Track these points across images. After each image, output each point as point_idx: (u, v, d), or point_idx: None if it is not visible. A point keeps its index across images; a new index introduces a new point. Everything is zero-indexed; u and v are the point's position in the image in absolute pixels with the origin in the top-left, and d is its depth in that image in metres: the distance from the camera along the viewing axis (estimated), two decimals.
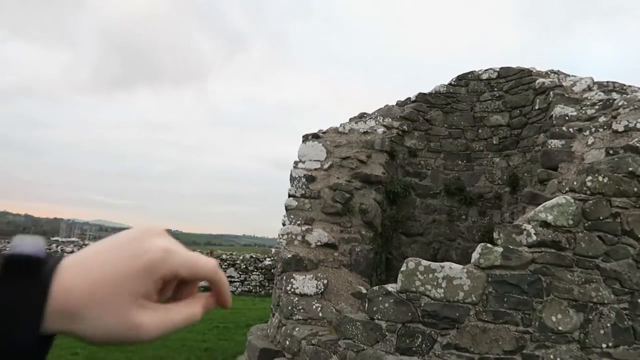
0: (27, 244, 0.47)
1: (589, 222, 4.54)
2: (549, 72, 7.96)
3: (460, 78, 8.44)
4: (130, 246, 0.50)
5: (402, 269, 4.68)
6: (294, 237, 6.58)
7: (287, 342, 5.46)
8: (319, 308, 5.70)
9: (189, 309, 0.53)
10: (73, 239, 59.80)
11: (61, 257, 0.49)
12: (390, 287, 4.74)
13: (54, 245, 21.71)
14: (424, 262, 4.63)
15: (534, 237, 4.47)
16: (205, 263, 0.52)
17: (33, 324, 0.44)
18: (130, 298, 0.48)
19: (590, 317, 4.41)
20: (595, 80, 7.22)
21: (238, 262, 17.98)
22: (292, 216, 6.83)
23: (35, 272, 0.46)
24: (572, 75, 7.69)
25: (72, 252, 18.81)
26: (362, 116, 8.38)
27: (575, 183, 4.74)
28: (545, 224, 4.52)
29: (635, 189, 4.63)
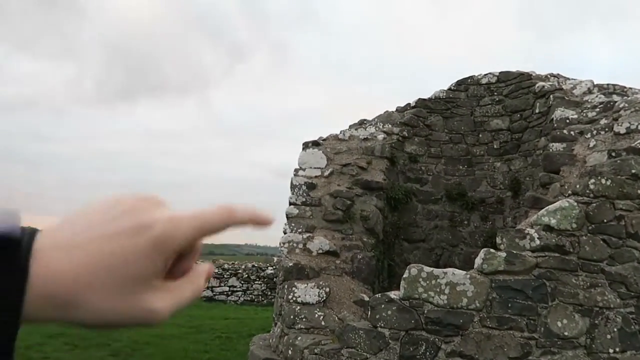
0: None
1: (593, 226, 4.49)
2: (549, 76, 7.94)
3: (459, 83, 8.43)
4: (129, 219, 0.42)
5: (404, 276, 4.63)
6: (295, 245, 6.53)
7: (290, 352, 5.39)
8: (321, 317, 5.64)
9: (194, 283, 0.46)
10: None
11: (35, 232, 0.41)
12: (393, 294, 4.69)
13: None
14: (427, 269, 4.58)
15: (538, 242, 4.42)
16: (215, 216, 0.45)
17: (10, 321, 0.37)
18: (139, 280, 0.41)
19: (597, 321, 4.35)
20: (595, 82, 7.19)
21: (240, 271, 17.91)
22: (293, 224, 6.78)
23: (9, 254, 0.38)
24: (572, 79, 7.67)
25: None
26: (362, 123, 8.36)
27: (578, 186, 4.69)
28: (548, 228, 4.47)
29: (639, 191, 4.59)
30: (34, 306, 0.39)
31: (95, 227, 0.42)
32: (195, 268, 0.47)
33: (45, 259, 0.40)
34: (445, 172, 8.08)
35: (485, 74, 8.35)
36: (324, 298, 5.82)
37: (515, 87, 7.96)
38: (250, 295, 17.61)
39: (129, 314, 0.42)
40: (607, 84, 7.17)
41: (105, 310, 0.41)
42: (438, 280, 4.49)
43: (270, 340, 6.47)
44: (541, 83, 7.53)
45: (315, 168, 7.29)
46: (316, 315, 5.66)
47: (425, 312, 4.46)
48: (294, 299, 5.80)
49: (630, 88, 6.99)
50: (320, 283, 5.94)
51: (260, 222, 0.47)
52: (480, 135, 8.10)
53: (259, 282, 17.80)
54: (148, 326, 0.44)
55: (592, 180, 4.61)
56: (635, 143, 5.00)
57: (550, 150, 6.04)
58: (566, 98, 6.90)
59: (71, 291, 0.40)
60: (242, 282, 17.72)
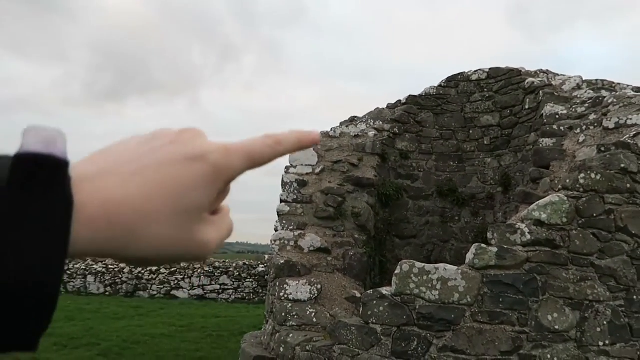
0: (41, 139, 0.34)
1: (583, 220, 4.51)
2: (538, 72, 7.98)
3: (450, 79, 8.44)
4: (180, 148, 0.39)
5: (396, 272, 4.62)
6: (286, 242, 6.50)
7: (282, 349, 5.37)
8: (313, 313, 5.62)
9: (228, 221, 0.44)
10: None
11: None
12: (385, 290, 4.68)
13: None
14: (418, 264, 4.58)
15: (528, 236, 4.43)
16: (264, 147, 0.42)
17: (55, 253, 0.33)
18: (194, 211, 0.39)
19: (587, 315, 4.37)
20: (584, 78, 7.24)
21: (231, 269, 17.84)
22: (284, 221, 6.75)
23: (55, 179, 0.33)
24: (561, 74, 7.71)
25: None
26: (352, 120, 8.34)
27: (568, 181, 4.71)
28: (539, 223, 4.48)
29: (628, 185, 4.62)
30: (84, 238, 0.35)
31: (145, 156, 0.39)
32: (223, 207, 0.45)
33: (96, 183, 0.36)
34: (436, 168, 8.10)
35: (476, 71, 8.37)
36: (316, 295, 5.80)
37: (505, 83, 7.99)
38: (242, 293, 17.55)
39: (184, 245, 0.39)
40: (596, 80, 7.21)
41: (162, 241, 0.38)
42: (430, 275, 4.49)
43: (262, 338, 6.43)
44: (531, 79, 7.57)
45: (306, 165, 7.26)
46: (308, 312, 5.63)
47: (417, 307, 4.46)
48: (286, 296, 5.78)
49: (619, 83, 7.04)
50: (312, 280, 5.92)
51: (308, 142, 0.45)
52: (471, 132, 8.13)
53: (250, 280, 17.75)
54: (198, 259, 0.42)
55: (582, 175, 4.64)
56: (624, 138, 5.04)
57: (540, 145, 6.07)
58: (555, 94, 6.93)
59: (130, 220, 0.36)
60: (233, 280, 17.65)
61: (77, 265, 18.37)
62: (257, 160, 0.42)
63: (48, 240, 0.32)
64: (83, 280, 18.04)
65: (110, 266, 18.27)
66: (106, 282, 17.91)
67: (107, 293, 17.67)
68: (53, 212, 0.33)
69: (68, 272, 18.17)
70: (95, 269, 18.11)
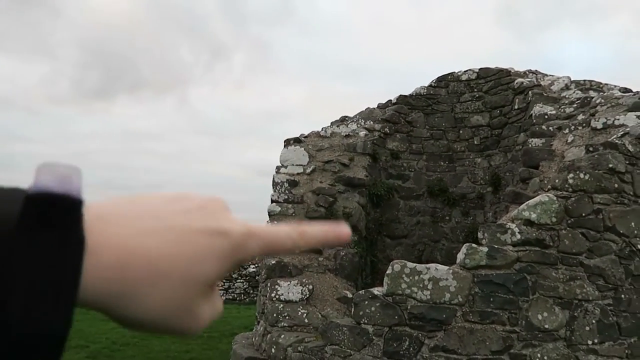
0: (56, 176, 0.32)
1: (572, 219, 4.55)
2: (527, 72, 8.04)
3: (440, 79, 8.48)
4: (206, 218, 0.38)
5: (387, 272, 4.63)
6: None
7: (273, 350, 5.36)
8: (305, 314, 5.61)
9: (219, 298, 0.43)
10: None
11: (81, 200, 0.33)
12: (376, 290, 4.69)
13: None
14: (410, 264, 4.59)
15: (519, 236, 4.46)
16: (286, 239, 0.41)
17: (64, 300, 0.31)
18: (202, 284, 0.37)
19: (576, 314, 4.42)
20: (572, 79, 7.31)
21: None
22: (275, 222, 6.73)
23: (69, 222, 0.31)
24: (550, 75, 7.78)
25: None
26: (343, 119, 8.35)
27: (557, 181, 4.76)
28: (529, 223, 4.52)
29: (616, 185, 4.67)
30: (91, 286, 0.33)
31: (169, 215, 0.37)
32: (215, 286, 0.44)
33: (113, 228, 0.34)
34: (427, 168, 8.13)
35: (465, 71, 8.41)
36: (307, 295, 5.79)
37: (494, 83, 8.04)
38: (232, 294, 17.49)
39: (181, 316, 0.37)
40: (584, 80, 7.29)
41: (162, 307, 0.36)
42: (421, 275, 4.50)
43: (253, 339, 6.41)
44: (520, 79, 7.62)
45: (297, 165, 7.24)
46: (299, 312, 5.63)
47: (409, 307, 4.47)
48: (277, 297, 5.76)
49: (606, 84, 7.12)
50: (303, 280, 5.91)
51: (334, 241, 0.44)
52: (461, 132, 8.17)
53: (241, 281, 17.70)
54: (186, 334, 0.39)
55: (571, 175, 4.68)
56: (612, 138, 5.09)
57: (530, 145, 6.11)
58: (544, 94, 6.99)
59: (139, 277, 0.34)
60: (224, 280, 17.58)
61: None
62: (275, 249, 0.42)
63: (58, 288, 0.31)
64: None
65: None
66: None
67: None
68: (65, 257, 0.31)
69: None
70: None
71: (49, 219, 0.31)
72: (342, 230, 0.44)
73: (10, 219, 0.30)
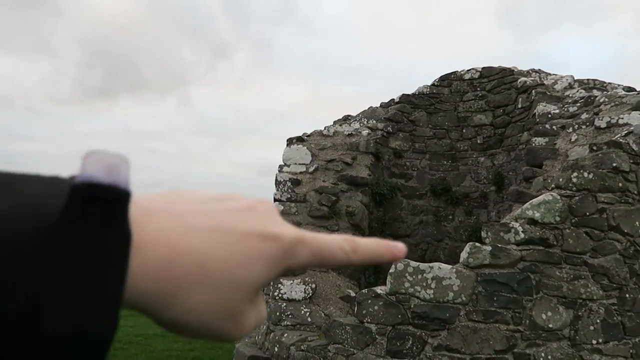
0: (103, 166, 0.30)
1: (576, 219, 4.54)
2: (530, 71, 8.02)
3: (443, 78, 8.47)
4: (255, 221, 0.36)
5: (390, 271, 4.62)
6: None
7: (276, 349, 5.36)
8: (308, 313, 5.61)
9: (264, 306, 0.41)
10: None
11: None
12: (380, 289, 4.68)
13: None
14: (413, 263, 4.58)
15: (522, 235, 4.45)
16: (338, 251, 0.39)
17: (110, 301, 0.29)
18: (249, 289, 0.36)
19: (580, 313, 4.40)
20: (575, 78, 7.29)
21: None
22: None
23: (116, 216, 0.29)
24: (553, 74, 7.76)
25: None
26: (346, 118, 8.34)
27: (560, 180, 4.74)
28: (532, 222, 4.51)
29: (620, 184, 4.66)
30: (136, 284, 0.31)
31: (217, 214, 0.35)
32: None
33: (160, 224, 0.32)
34: (430, 167, 8.12)
35: (468, 70, 8.39)
36: (310, 294, 5.79)
37: (497, 82, 8.03)
38: None
39: (224, 320, 0.36)
40: (587, 79, 7.27)
41: (206, 310, 0.34)
42: (424, 274, 4.50)
43: (256, 338, 6.42)
44: (523, 78, 7.61)
45: (299, 164, 7.24)
46: (302, 311, 5.63)
47: (412, 306, 4.47)
48: (280, 295, 5.76)
49: (610, 83, 7.10)
50: (306, 279, 5.91)
51: (388, 257, 0.41)
52: (464, 131, 8.16)
53: None
54: (227, 340, 0.38)
55: (575, 174, 4.66)
56: (616, 137, 5.08)
57: (533, 144, 6.10)
58: (548, 93, 6.97)
59: (186, 276, 0.32)
60: None
61: None
62: (325, 260, 0.39)
63: (103, 288, 0.29)
64: None
65: None
66: None
67: None
68: (110, 254, 0.29)
69: None
70: None
71: (95, 213, 0.29)
72: (397, 247, 0.42)
73: (51, 212, 0.28)
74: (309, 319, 5.58)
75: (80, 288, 0.28)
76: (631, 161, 4.80)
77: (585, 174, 4.64)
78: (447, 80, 8.43)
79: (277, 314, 5.67)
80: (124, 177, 0.30)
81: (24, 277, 0.27)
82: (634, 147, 4.87)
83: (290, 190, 6.97)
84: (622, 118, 5.43)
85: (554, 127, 6.17)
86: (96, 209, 0.29)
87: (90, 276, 0.28)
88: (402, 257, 0.42)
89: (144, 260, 0.31)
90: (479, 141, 8.02)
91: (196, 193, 0.38)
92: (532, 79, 7.54)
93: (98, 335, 0.28)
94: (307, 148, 7.40)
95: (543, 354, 4.29)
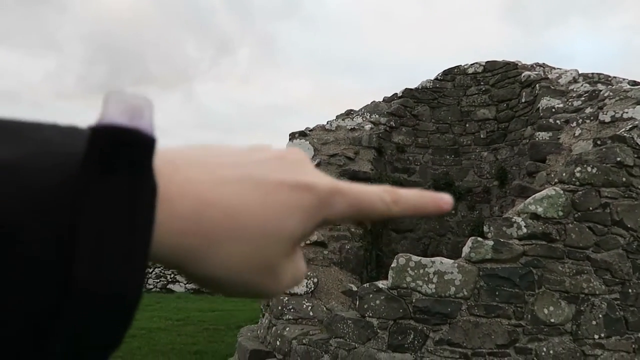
0: (125, 108, 0.27)
1: (579, 213, 4.52)
2: (535, 65, 7.97)
3: (446, 73, 8.42)
4: (288, 170, 0.34)
5: (392, 265, 4.62)
6: None
7: (278, 343, 5.37)
8: (310, 307, 5.62)
9: (303, 262, 0.39)
10: None
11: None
12: (381, 283, 4.68)
13: None
14: (415, 258, 4.58)
15: (525, 230, 4.44)
16: (378, 201, 0.36)
17: (137, 256, 0.27)
18: (286, 241, 0.34)
19: (582, 308, 4.39)
20: (580, 72, 7.24)
21: None
22: None
23: (141, 164, 0.27)
24: (558, 68, 7.70)
25: None
26: (349, 113, 8.32)
27: (564, 174, 4.72)
28: (535, 216, 4.49)
29: (624, 179, 4.62)
30: (164, 239, 0.29)
31: (248, 165, 0.33)
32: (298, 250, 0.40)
33: (187, 174, 0.30)
34: (433, 161, 8.09)
35: (472, 64, 8.35)
36: (312, 288, 5.80)
37: (501, 76, 7.98)
38: None
39: (261, 275, 0.34)
40: (592, 73, 7.21)
41: (242, 264, 0.32)
42: (426, 269, 4.49)
43: (259, 332, 6.44)
44: (527, 72, 7.56)
45: None
46: (304, 305, 5.64)
47: (414, 301, 4.46)
48: None
49: (615, 77, 7.04)
50: (309, 274, 5.92)
51: (433, 210, 0.38)
52: (467, 125, 8.12)
53: None
54: (264, 296, 0.36)
55: (578, 169, 4.64)
56: (620, 131, 5.04)
57: (537, 139, 6.07)
58: (552, 87, 6.93)
59: (217, 229, 0.30)
60: None
61: None
62: (364, 212, 0.37)
63: (129, 242, 0.27)
64: None
65: None
66: None
67: None
68: (135, 205, 0.27)
69: None
70: None
71: (118, 161, 0.26)
72: (444, 199, 0.38)
73: (70, 160, 0.26)
74: (311, 313, 5.59)
75: (107, 241, 0.26)
76: (635, 156, 4.76)
77: (589, 169, 4.61)
78: (450, 74, 8.39)
79: (279, 308, 5.68)
80: (148, 120, 0.27)
81: (48, 230, 0.25)
82: (639, 141, 4.83)
83: None
84: (627, 112, 5.39)
85: (557, 121, 6.13)
86: (119, 156, 0.26)
87: (116, 229, 0.26)
88: (448, 209, 0.38)
89: (172, 212, 0.29)
90: (482, 136, 7.99)
91: (223, 146, 0.36)
92: (536, 73, 7.49)
93: (126, 291, 0.26)
94: (309, 143, 7.39)
95: (545, 349, 4.28)
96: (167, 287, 17.46)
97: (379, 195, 0.37)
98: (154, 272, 17.70)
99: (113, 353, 0.28)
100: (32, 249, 0.24)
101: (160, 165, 0.28)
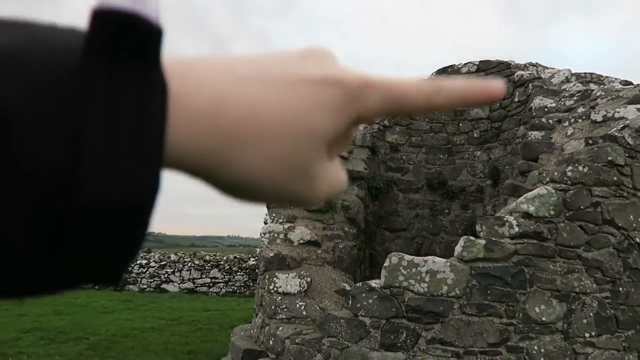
0: None
1: (570, 212, 4.53)
2: (528, 65, 8.00)
3: (440, 72, 8.44)
4: (312, 65, 0.32)
5: (385, 265, 4.62)
6: (276, 235, 6.48)
7: (271, 342, 5.36)
8: (303, 306, 5.62)
9: (342, 170, 0.36)
10: None
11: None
12: (374, 283, 4.68)
13: None
14: (407, 257, 4.58)
15: (516, 229, 4.45)
16: (414, 90, 0.33)
17: (151, 157, 0.24)
18: (316, 139, 0.31)
19: (573, 307, 4.41)
20: (573, 72, 7.27)
21: (222, 262, 17.81)
22: (273, 214, 6.73)
23: (148, 54, 0.24)
24: (550, 68, 7.74)
25: None
26: None
27: (555, 173, 4.73)
28: (527, 215, 4.50)
29: (615, 178, 4.65)
30: (181, 140, 0.26)
31: (270, 64, 0.31)
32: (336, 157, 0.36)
33: (203, 72, 0.28)
34: (426, 161, 8.11)
35: (466, 63, 8.37)
36: (305, 288, 5.79)
37: (495, 76, 8.00)
38: (233, 287, 17.54)
39: (293, 179, 0.31)
40: (584, 73, 7.25)
41: (271, 165, 0.30)
42: (418, 268, 4.50)
43: (252, 331, 6.43)
44: (520, 72, 7.58)
45: None
46: (297, 305, 5.63)
47: (406, 300, 4.47)
48: (275, 289, 5.76)
49: (607, 77, 7.08)
50: (302, 273, 5.91)
51: (482, 97, 0.34)
52: (461, 124, 8.14)
53: (241, 274, 17.74)
54: (303, 203, 0.33)
55: (570, 168, 4.66)
56: (612, 131, 5.06)
57: (529, 138, 6.09)
58: (545, 87, 6.96)
59: (242, 128, 0.28)
60: (224, 273, 17.63)
61: None
62: (401, 105, 0.33)
63: (141, 141, 0.24)
64: None
65: None
66: None
67: (96, 287, 17.57)
68: (144, 100, 0.24)
69: None
70: None
71: (124, 48, 0.23)
72: (494, 84, 0.34)
73: (71, 53, 0.23)
74: (304, 313, 5.58)
75: (118, 141, 0.23)
76: (626, 155, 4.79)
77: (580, 168, 4.63)
78: (444, 73, 8.40)
79: (272, 307, 5.67)
80: (153, 6, 0.24)
81: (51, 127, 0.22)
82: (630, 140, 4.86)
83: None
84: (618, 112, 5.41)
85: (550, 120, 6.15)
86: (125, 41, 0.23)
87: (124, 128, 0.23)
88: (500, 95, 0.34)
89: (187, 111, 0.26)
90: (475, 135, 8.01)
91: (242, 53, 0.32)
92: (529, 72, 7.52)
93: (141, 195, 0.24)
94: None
95: (536, 347, 4.30)
96: (161, 286, 17.40)
97: (417, 85, 0.33)
98: (147, 272, 17.63)
99: (131, 262, 0.26)
100: (34, 146, 0.22)
101: (169, 63, 0.26)
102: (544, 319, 4.35)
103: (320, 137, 0.31)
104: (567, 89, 6.73)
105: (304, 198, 0.33)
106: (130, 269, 17.83)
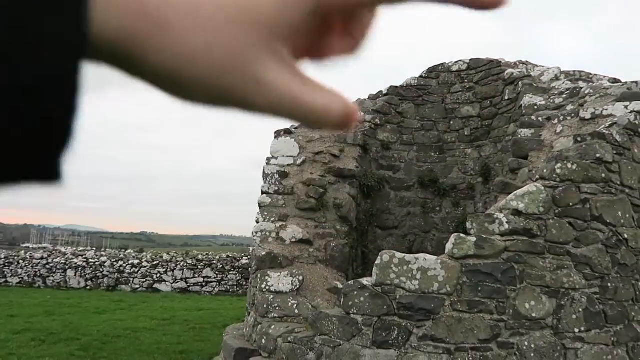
0: None
1: (560, 209, 4.58)
2: (518, 63, 8.05)
3: (431, 70, 8.47)
4: None
5: (376, 262, 4.64)
6: (268, 234, 6.48)
7: (263, 341, 5.37)
8: (295, 305, 5.62)
9: (329, 92, 0.31)
10: (45, 245, 58.03)
11: None
12: (366, 280, 4.70)
13: (23, 252, 21.03)
14: (398, 255, 4.60)
15: (506, 226, 4.48)
16: None
17: (74, 39, 0.23)
18: (261, 29, 0.27)
19: (563, 302, 4.45)
20: (562, 70, 7.33)
21: (214, 262, 17.77)
22: (265, 213, 6.72)
23: None
24: (540, 66, 7.79)
25: (42, 258, 18.18)
26: None
27: (545, 171, 4.77)
28: (517, 212, 4.53)
29: (603, 175, 4.70)
30: (104, 18, 0.24)
31: None
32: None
33: None
34: (418, 159, 8.14)
35: (456, 62, 8.40)
36: (298, 286, 5.80)
37: (485, 74, 8.04)
38: (225, 286, 17.50)
39: (234, 75, 0.27)
40: (574, 71, 7.30)
41: (206, 55, 0.26)
42: (410, 265, 4.52)
43: (244, 330, 6.42)
44: (510, 70, 7.63)
45: (287, 156, 7.22)
46: (290, 303, 5.63)
47: (398, 297, 4.49)
48: (267, 288, 5.76)
49: (595, 75, 7.14)
50: (294, 271, 5.91)
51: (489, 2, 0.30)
52: (452, 122, 8.18)
53: (234, 273, 17.71)
54: (244, 107, 0.29)
55: (559, 165, 4.70)
56: (600, 128, 5.11)
57: (519, 136, 6.13)
58: (534, 85, 7.00)
59: (165, 10, 0.25)
60: (217, 272, 17.59)
61: (57, 260, 18.09)
62: None
63: (61, 15, 0.22)
64: (63, 274, 17.79)
65: (90, 260, 18.04)
66: (87, 276, 17.69)
67: (88, 287, 17.46)
68: None
69: (47, 266, 17.88)
70: (76, 263, 17.86)
71: None
72: None
73: None
74: (296, 311, 5.59)
75: (34, 17, 0.22)
76: (614, 152, 4.84)
77: (569, 165, 4.68)
78: (435, 72, 8.43)
79: (265, 306, 5.67)
80: None
81: None
82: (618, 138, 4.91)
83: (277, 183, 6.95)
84: (607, 109, 5.47)
85: (539, 118, 6.20)
86: None
87: (44, 7, 0.22)
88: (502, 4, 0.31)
89: None
90: (466, 133, 8.05)
91: None
92: (519, 70, 7.57)
93: (63, 77, 0.22)
94: (294, 140, 7.37)
95: (526, 343, 4.34)
96: (154, 286, 17.32)
97: None
98: (140, 272, 17.55)
99: (64, 149, 0.24)
100: None
101: None
102: (534, 315, 4.39)
103: (265, 27, 0.27)
104: (557, 87, 6.78)
105: (248, 97, 0.28)
106: (122, 269, 17.72)
